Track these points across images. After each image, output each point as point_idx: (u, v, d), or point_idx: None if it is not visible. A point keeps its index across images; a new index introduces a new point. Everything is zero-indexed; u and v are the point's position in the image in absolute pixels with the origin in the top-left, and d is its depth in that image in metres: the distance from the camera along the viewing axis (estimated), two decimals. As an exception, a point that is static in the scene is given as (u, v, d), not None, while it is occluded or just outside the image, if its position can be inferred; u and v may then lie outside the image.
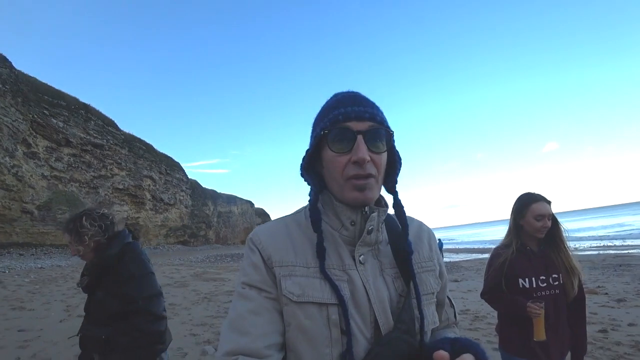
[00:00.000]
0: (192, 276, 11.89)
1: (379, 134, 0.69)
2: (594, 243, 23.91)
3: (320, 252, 0.67)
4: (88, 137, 37.85)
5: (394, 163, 0.75)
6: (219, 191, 75.32)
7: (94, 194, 38.34)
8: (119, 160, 42.73)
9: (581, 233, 36.47)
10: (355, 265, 0.70)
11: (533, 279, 1.80)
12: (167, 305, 6.37)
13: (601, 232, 35.29)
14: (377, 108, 0.72)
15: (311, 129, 0.77)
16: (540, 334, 1.69)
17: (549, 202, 1.87)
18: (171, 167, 55.31)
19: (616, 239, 25.85)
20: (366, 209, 0.71)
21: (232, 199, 78.89)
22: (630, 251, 16.46)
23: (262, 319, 0.64)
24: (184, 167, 60.27)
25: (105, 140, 40.50)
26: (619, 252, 16.43)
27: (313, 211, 0.72)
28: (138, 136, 50.00)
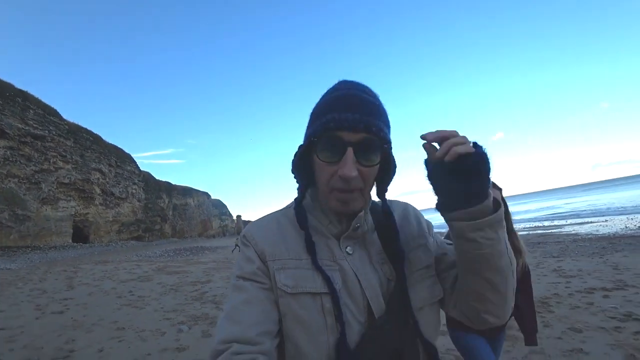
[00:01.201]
0: (154, 270, 12.18)
1: (373, 146, 0.64)
2: (528, 224, 27.34)
3: (310, 247, 0.69)
4: (27, 128, 35.00)
5: (388, 170, 0.72)
6: (173, 183, 72.89)
7: (35, 190, 35.70)
8: (64, 153, 40.01)
9: (520, 215, 41.03)
10: (345, 256, 0.71)
11: None
12: (137, 298, 6.98)
13: (535, 214, 39.77)
14: (376, 112, 0.66)
15: (309, 120, 0.73)
16: None
17: (499, 189, 1.84)
18: (122, 159, 52.59)
19: (546, 220, 29.64)
20: None
21: (188, 191, 76.62)
22: (552, 231, 19.24)
23: (255, 308, 0.65)
24: (135, 158, 57.59)
25: (47, 131, 37.66)
26: (544, 231, 19.13)
27: (298, 210, 0.73)
28: (84, 126, 46.97)
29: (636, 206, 29.00)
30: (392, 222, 0.75)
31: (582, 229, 17.56)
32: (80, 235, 41.74)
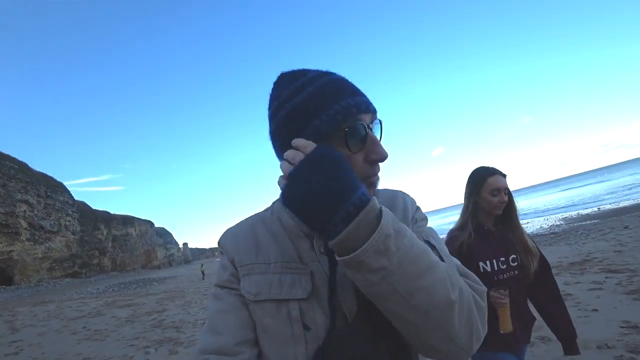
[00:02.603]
0: (103, 306, 11.85)
1: (380, 125, 0.64)
2: None
3: (279, 250, 0.66)
4: None
5: None
6: (112, 212, 68.23)
7: (-55, 228, 31.60)
8: (-18, 184, 36.13)
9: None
10: (317, 257, 0.64)
11: (494, 261, 1.65)
12: (93, 332, 7.22)
13: None
14: None
15: (274, 115, 0.64)
16: (506, 325, 1.52)
17: (504, 175, 1.74)
18: (52, 188, 48.49)
19: None
20: None
21: (128, 220, 72.05)
22: None
23: (232, 317, 0.63)
24: (67, 187, 53.38)
25: (-39, 161, 33.92)
26: None
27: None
28: (7, 153, 42.86)
29: (551, 208, 32.41)
30: None
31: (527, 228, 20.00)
32: (3, 276, 37.29)
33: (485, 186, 1.71)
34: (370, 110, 0.61)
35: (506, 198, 1.70)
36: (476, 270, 1.62)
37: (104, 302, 13.21)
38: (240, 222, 0.77)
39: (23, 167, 43.95)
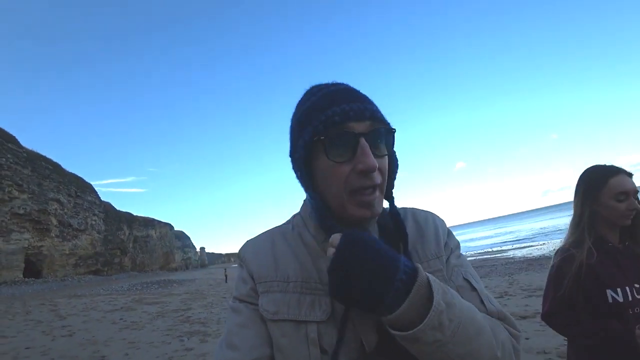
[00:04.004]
0: (132, 302, 12.96)
1: (381, 133, 0.59)
2: (480, 250, 30.22)
3: (300, 268, 0.64)
4: (-19, 156, 34.05)
5: (390, 165, 0.64)
6: (134, 214, 70.91)
7: (-14, 221, 34.10)
8: (20, 182, 38.72)
9: (475, 242, 44.25)
10: None
11: (627, 289, 1.24)
12: (130, 323, 8.29)
13: (489, 241, 42.68)
14: (374, 103, 0.62)
15: (290, 131, 0.67)
16: None
17: (630, 175, 1.36)
18: (82, 188, 51.13)
19: (495, 246, 32.21)
20: None
21: (149, 222, 74.49)
22: (495, 255, 22.00)
23: (250, 332, 0.62)
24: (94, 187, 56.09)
25: (4, 159, 36.63)
26: (489, 256, 21.75)
27: (322, 218, 0.62)
28: (43, 154, 45.78)
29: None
30: (401, 228, 0.64)
31: (520, 253, 20.31)
32: (32, 269, 39.55)
33: (607, 189, 1.34)
34: (366, 117, 0.58)
35: (637, 204, 1.33)
36: (603, 301, 1.27)
37: (132, 299, 14.36)
38: (261, 234, 0.75)
39: (57, 167, 46.69)
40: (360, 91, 0.64)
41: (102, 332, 7.25)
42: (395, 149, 0.65)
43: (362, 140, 0.57)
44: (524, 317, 5.29)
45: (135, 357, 5.23)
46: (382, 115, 0.61)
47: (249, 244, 0.73)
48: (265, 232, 0.75)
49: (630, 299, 1.23)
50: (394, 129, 0.61)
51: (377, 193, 0.59)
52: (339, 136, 0.57)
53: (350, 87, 0.64)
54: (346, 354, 0.57)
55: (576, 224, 1.41)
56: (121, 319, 9.07)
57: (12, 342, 6.58)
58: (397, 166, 0.67)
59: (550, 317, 1.39)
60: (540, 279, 9.47)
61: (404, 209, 0.75)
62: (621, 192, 1.31)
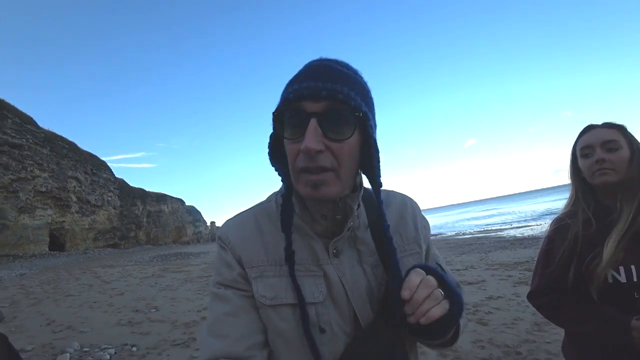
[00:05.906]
0: (160, 271, 14.76)
1: (341, 116, 0.57)
2: (477, 228, 30.41)
3: (289, 255, 0.63)
4: (5, 137, 35.91)
5: (369, 153, 0.62)
6: (147, 189, 73.56)
7: (13, 199, 36.48)
8: (40, 161, 40.88)
9: (478, 221, 42.59)
10: (330, 259, 0.65)
11: (632, 267, 1.03)
12: (164, 287, 10.37)
13: (490, 220, 41.45)
14: (345, 80, 0.58)
15: None
16: None
17: (610, 126, 1.14)
18: (97, 166, 53.36)
19: (495, 225, 31.55)
20: (337, 199, 0.63)
21: (161, 198, 77.25)
22: (488, 234, 21.92)
23: (240, 320, 0.62)
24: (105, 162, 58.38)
25: (24, 140, 38.59)
26: (483, 235, 21.88)
27: (285, 208, 0.64)
28: (59, 134, 47.67)
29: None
30: (380, 214, 0.66)
31: (512, 232, 20.57)
32: (56, 243, 42.45)
33: (577, 149, 1.20)
34: (321, 97, 0.56)
35: (608, 156, 1.10)
36: (602, 281, 1.05)
37: (158, 268, 16.32)
38: (242, 213, 0.73)
39: (73, 146, 48.69)
40: (343, 69, 0.60)
41: (145, 292, 9.04)
42: (377, 135, 0.64)
43: (313, 121, 0.56)
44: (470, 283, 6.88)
45: (180, 306, 6.98)
46: (346, 95, 0.57)
47: (230, 225, 0.71)
48: (246, 211, 0.73)
49: (635, 279, 1.02)
50: (361, 112, 0.58)
51: (328, 176, 0.58)
52: (292, 115, 0.58)
53: (328, 64, 0.60)
54: (341, 327, 0.63)
55: (571, 194, 1.24)
56: (156, 283, 10.89)
57: (79, 298, 8.42)
58: (377, 151, 0.63)
59: (536, 297, 1.21)
60: (508, 256, 11.08)
61: (385, 191, 0.77)
62: (584, 146, 1.15)
